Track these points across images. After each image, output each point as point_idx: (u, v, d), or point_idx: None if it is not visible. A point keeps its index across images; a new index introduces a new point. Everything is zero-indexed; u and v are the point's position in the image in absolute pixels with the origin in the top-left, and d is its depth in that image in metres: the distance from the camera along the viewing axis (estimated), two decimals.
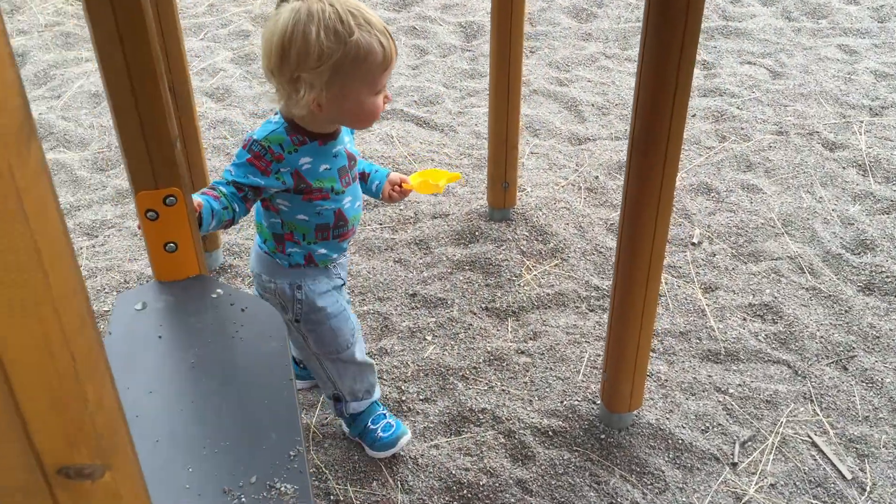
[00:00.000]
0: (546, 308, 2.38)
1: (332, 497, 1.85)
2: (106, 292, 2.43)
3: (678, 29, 1.43)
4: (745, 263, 2.57)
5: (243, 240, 2.66)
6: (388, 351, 2.23)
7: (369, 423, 1.90)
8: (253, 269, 1.75)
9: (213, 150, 3.13)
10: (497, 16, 2.37)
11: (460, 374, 2.15)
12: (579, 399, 2.08)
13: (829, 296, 2.42)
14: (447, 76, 3.71)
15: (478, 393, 2.10)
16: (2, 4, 4.27)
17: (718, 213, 2.80)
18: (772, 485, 1.88)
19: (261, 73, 3.70)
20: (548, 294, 2.42)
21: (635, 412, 2.01)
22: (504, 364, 2.19)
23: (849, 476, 1.89)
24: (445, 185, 1.87)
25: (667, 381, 2.14)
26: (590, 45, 3.97)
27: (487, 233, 2.67)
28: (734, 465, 1.92)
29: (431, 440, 1.98)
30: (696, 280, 2.50)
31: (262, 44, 1.52)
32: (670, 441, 1.96)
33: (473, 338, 2.27)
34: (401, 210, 2.79)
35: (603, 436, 1.98)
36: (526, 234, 2.67)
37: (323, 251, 1.70)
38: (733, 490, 1.86)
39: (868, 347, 2.24)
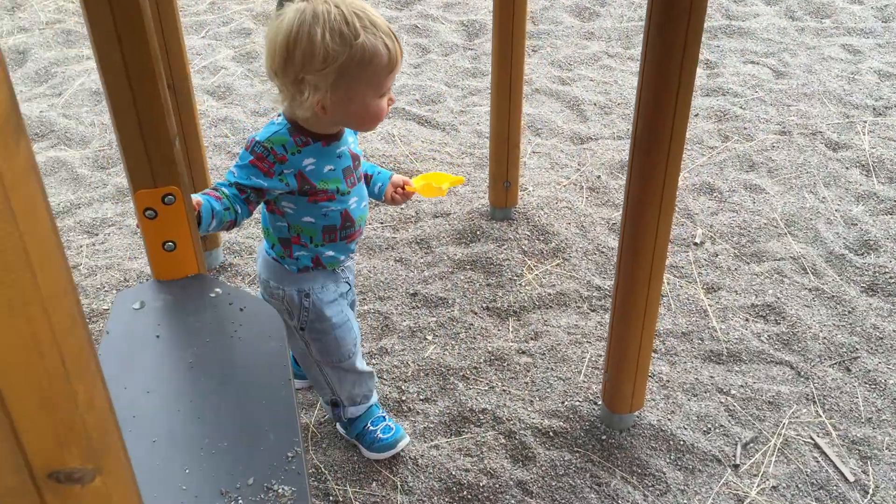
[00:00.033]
0: (547, 308, 2.37)
1: (331, 497, 1.84)
2: (106, 290, 2.43)
3: (681, 27, 1.41)
4: (748, 264, 2.55)
5: (244, 238, 2.65)
6: (389, 350, 2.22)
7: (369, 425, 1.89)
8: (260, 274, 1.74)
9: (214, 149, 3.12)
10: (499, 14, 2.36)
11: (461, 374, 2.14)
12: (580, 400, 2.07)
13: (833, 296, 2.40)
14: (449, 75, 3.70)
15: (478, 393, 2.09)
16: (3, 2, 4.27)
17: (721, 213, 2.79)
18: (774, 487, 1.87)
19: (262, 71, 3.69)
20: (549, 294, 2.41)
21: (637, 413, 2.00)
22: (505, 364, 2.18)
23: (851, 478, 1.88)
24: (449, 188, 1.86)
25: (668, 381, 2.13)
26: (592, 44, 3.96)
27: (489, 232, 2.66)
28: (736, 466, 1.91)
29: (431, 440, 1.97)
30: (698, 280, 2.48)
31: (266, 44, 1.50)
32: (672, 442, 1.95)
33: (474, 338, 2.26)
34: (402, 209, 2.78)
35: (604, 437, 1.97)
36: (527, 233, 2.66)
37: (331, 253, 1.68)
38: (735, 492, 1.85)
39: (871, 349, 2.23)
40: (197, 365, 1.32)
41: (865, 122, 3.28)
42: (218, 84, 3.59)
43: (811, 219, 2.74)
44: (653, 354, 2.17)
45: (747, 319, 2.33)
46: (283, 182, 1.55)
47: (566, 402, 2.06)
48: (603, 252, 2.59)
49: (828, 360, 2.20)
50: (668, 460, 1.92)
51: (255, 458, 1.15)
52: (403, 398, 2.07)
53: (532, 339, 2.27)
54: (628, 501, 1.82)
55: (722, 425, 2.00)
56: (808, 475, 1.89)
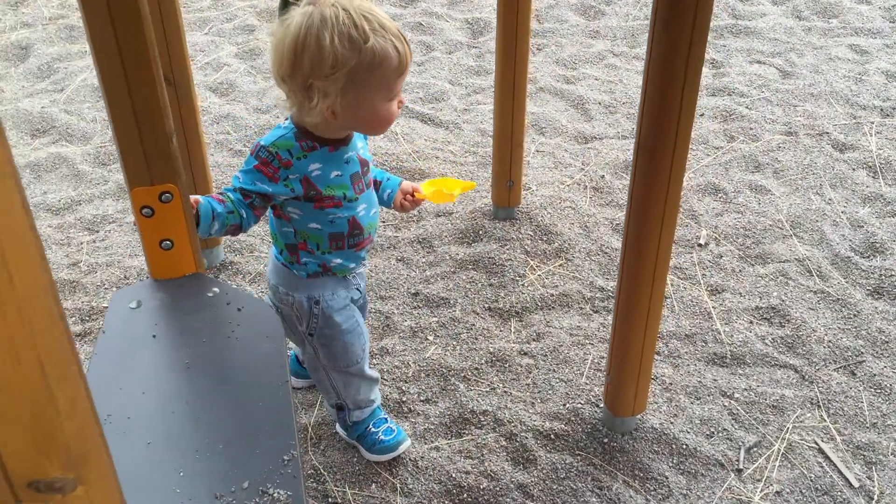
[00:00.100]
0: (550, 309, 2.35)
1: (330, 499, 1.82)
2: (105, 288, 2.41)
3: (687, 24, 1.39)
4: (753, 265, 2.53)
5: (245, 236, 2.63)
6: (390, 351, 2.20)
7: (370, 426, 1.88)
8: (269, 280, 1.71)
9: (215, 146, 3.10)
10: (503, 12, 2.34)
11: (462, 375, 2.12)
12: (582, 402, 2.05)
13: (838, 299, 2.38)
14: (453, 73, 3.68)
15: (479, 394, 2.07)
16: None
17: (726, 214, 2.76)
18: (777, 492, 1.84)
19: (265, 68, 3.67)
20: (552, 294, 2.39)
21: (639, 416, 1.97)
22: (506, 365, 2.16)
23: (856, 484, 1.86)
24: (460, 194, 1.82)
25: (671, 384, 2.11)
26: (597, 43, 3.94)
27: (491, 232, 2.64)
28: (739, 471, 1.89)
29: (432, 442, 1.95)
30: (702, 282, 2.46)
31: (272, 49, 1.46)
32: (674, 446, 1.93)
33: (476, 338, 2.24)
34: None
35: (606, 440, 1.94)
36: (530, 233, 2.64)
37: (339, 261, 1.65)
38: (738, 497, 1.83)
39: (877, 352, 2.21)
40: (194, 365, 1.30)
41: (873, 123, 3.26)
42: (221, 81, 3.57)
43: (817, 220, 2.71)
44: (656, 357, 2.14)
45: (751, 322, 2.31)
46: (288, 187, 1.52)
47: (568, 405, 2.04)
48: (606, 253, 2.57)
49: (833, 364, 2.17)
50: (670, 464, 1.90)
51: (251, 460, 1.14)
52: (404, 399, 2.06)
53: (534, 340, 2.25)
54: None
55: (725, 429, 1.98)
56: (812, 480, 1.87)
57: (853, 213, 2.75)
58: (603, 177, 2.94)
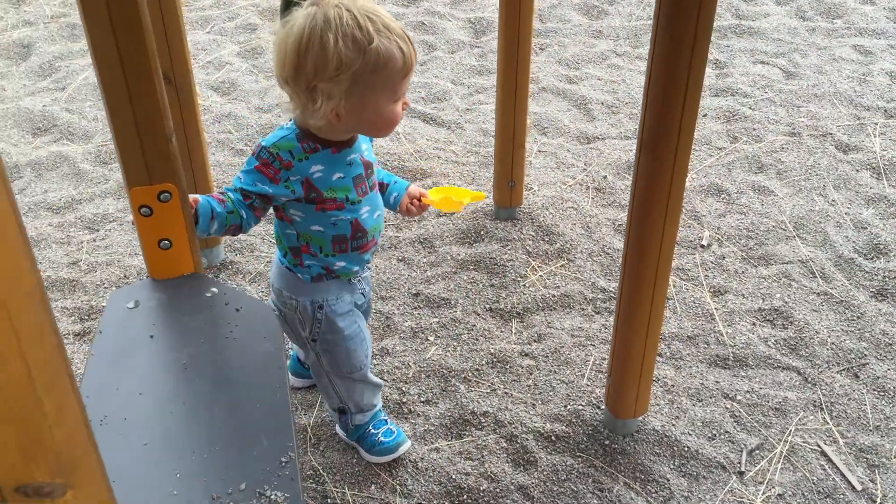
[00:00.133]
0: (551, 310, 2.34)
1: (329, 500, 1.81)
2: (105, 287, 2.40)
3: (690, 23, 1.38)
4: (756, 267, 2.52)
5: (245, 236, 2.62)
6: (390, 351, 2.19)
7: (370, 427, 1.87)
8: (273, 283, 1.69)
9: (217, 145, 3.10)
10: (506, 12, 2.32)
11: (462, 375, 2.11)
12: (583, 404, 2.04)
13: (841, 301, 2.37)
14: (455, 72, 3.67)
15: (480, 395, 2.06)
16: None
17: (729, 214, 2.75)
18: (779, 495, 1.83)
19: (267, 67, 3.66)
20: (553, 295, 2.38)
21: (640, 418, 1.96)
22: (507, 366, 2.15)
23: (859, 487, 1.84)
24: (468, 203, 1.80)
25: (673, 386, 2.09)
26: (600, 43, 3.92)
27: (493, 232, 2.63)
28: (741, 473, 1.88)
29: (432, 443, 1.94)
30: (704, 283, 2.45)
31: (275, 51, 1.44)
32: (676, 448, 1.92)
33: (476, 339, 2.23)
34: None
35: (607, 442, 1.93)
36: (532, 233, 2.63)
37: (342, 264, 1.63)
38: (740, 499, 1.82)
39: (880, 355, 2.19)
40: (191, 366, 1.29)
41: (877, 124, 3.24)
42: (222, 80, 3.57)
43: (820, 222, 2.70)
44: (658, 358, 2.13)
45: (754, 324, 2.30)
46: (288, 189, 1.50)
47: (569, 406, 2.03)
48: (608, 253, 2.55)
49: (835, 366, 2.16)
50: (671, 466, 1.89)
51: (248, 462, 1.13)
52: (404, 400, 2.05)
53: (535, 341, 2.24)
54: None
55: (727, 431, 1.97)
56: (814, 483, 1.86)
57: (857, 215, 2.73)
58: (605, 177, 2.93)
